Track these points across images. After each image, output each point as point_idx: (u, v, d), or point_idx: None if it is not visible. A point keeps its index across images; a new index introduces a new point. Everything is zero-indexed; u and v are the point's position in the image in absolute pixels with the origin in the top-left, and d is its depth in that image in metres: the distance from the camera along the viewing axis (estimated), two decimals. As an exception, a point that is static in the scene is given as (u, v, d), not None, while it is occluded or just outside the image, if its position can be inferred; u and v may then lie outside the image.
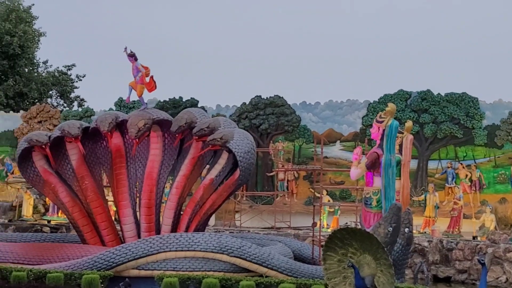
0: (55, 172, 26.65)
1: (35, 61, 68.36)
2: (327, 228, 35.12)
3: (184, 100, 44.96)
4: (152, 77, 26.37)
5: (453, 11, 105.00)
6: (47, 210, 39.60)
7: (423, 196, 36.67)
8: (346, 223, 33.89)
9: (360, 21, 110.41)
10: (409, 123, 21.61)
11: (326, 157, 37.98)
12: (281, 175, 41.78)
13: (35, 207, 40.02)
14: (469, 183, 37.64)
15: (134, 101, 36.86)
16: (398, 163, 20.71)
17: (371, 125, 23.10)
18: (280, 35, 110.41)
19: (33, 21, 67.09)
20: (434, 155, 39.94)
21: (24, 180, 31.40)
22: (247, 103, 43.55)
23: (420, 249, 31.90)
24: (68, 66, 69.29)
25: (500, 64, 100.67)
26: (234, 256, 22.15)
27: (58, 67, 69.18)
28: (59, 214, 37.36)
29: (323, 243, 20.20)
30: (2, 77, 63.62)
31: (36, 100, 62.61)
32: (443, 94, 40.31)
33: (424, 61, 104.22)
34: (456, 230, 33.45)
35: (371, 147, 24.46)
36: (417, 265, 27.12)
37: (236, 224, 38.89)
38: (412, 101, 40.66)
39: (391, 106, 20.99)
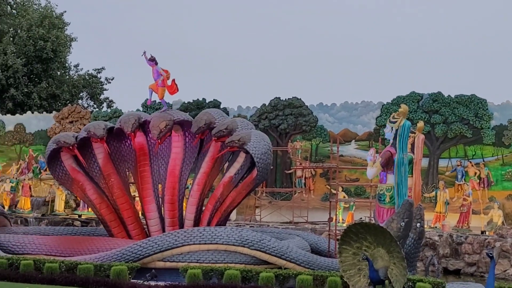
0: (82, 170, 26.72)
1: (67, 64, 68.69)
2: (343, 223, 34.99)
3: (207, 101, 44.94)
4: (174, 80, 26.31)
5: (461, 15, 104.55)
6: (78, 205, 39.73)
7: (434, 193, 36.58)
8: (361, 218, 33.73)
9: (373, 25, 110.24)
10: (420, 124, 21.58)
11: (341, 155, 37.97)
12: (299, 173, 41.75)
13: (66, 202, 40.22)
14: (478, 181, 37.40)
15: (155, 101, 36.72)
16: (410, 161, 20.66)
17: (384, 125, 23.07)
18: (298, 39, 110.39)
19: (65, 27, 67.51)
20: (444, 153, 39.71)
21: (56, 176, 31.54)
22: (267, 104, 43.47)
23: (431, 243, 31.78)
24: (98, 69, 69.53)
25: (508, 66, 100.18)
26: (255, 249, 22.19)
27: (88, 70, 69.51)
28: (89, 209, 37.38)
29: (338, 237, 20.14)
30: (36, 79, 64.02)
31: (68, 102, 62.83)
32: (453, 96, 40.07)
33: (435, 63, 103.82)
34: (465, 225, 33.34)
35: (385, 146, 24.40)
36: (428, 258, 27.05)
37: (256, 219, 38.91)
38: (424, 102, 40.46)
39: (403, 107, 20.93)
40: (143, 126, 26.59)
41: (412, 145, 20.98)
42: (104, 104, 69.76)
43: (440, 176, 38.83)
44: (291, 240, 25.21)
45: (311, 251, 25.27)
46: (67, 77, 67.72)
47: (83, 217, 38.36)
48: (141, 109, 44.43)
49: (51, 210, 39.98)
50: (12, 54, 59.89)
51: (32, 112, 52.31)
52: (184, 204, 26.98)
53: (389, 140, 21.22)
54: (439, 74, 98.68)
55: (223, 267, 20.44)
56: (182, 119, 26.40)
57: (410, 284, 17.91)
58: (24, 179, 40.88)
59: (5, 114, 52.87)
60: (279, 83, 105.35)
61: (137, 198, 30.27)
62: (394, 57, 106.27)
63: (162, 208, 26.36)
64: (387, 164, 20.69)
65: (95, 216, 28.63)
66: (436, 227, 34.03)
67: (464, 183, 36.89)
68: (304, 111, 42.75)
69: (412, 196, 20.37)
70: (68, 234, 27.71)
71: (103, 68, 69.75)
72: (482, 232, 32.76)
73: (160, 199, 26.59)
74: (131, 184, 29.73)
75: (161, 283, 19.20)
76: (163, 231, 25.59)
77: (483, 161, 38.66)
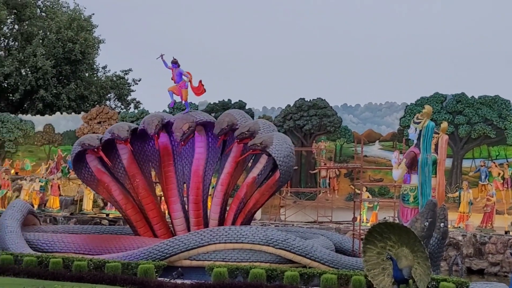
0: (108, 171, 26.71)
1: (95, 66, 69.24)
2: (367, 222, 34.96)
3: (232, 102, 45.02)
4: (200, 81, 26.17)
5: (484, 17, 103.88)
6: (105, 204, 39.92)
7: (457, 193, 36.42)
8: (385, 218, 33.67)
9: (398, 26, 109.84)
10: (444, 124, 21.48)
11: (365, 156, 37.81)
12: (323, 173, 41.78)
13: (94, 202, 40.42)
14: (502, 181, 37.20)
15: (180, 102, 36.71)
16: (434, 162, 20.56)
17: (408, 126, 22.97)
18: (324, 40, 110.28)
19: (93, 29, 68.01)
20: (468, 154, 39.56)
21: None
22: (292, 105, 43.50)
23: (454, 242, 31.62)
24: (125, 71, 69.94)
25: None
26: (280, 248, 22.16)
27: (116, 72, 69.98)
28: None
29: (363, 237, 20.10)
30: (65, 81, 64.54)
31: (96, 103, 63.28)
32: (476, 97, 39.90)
33: (459, 64, 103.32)
34: (489, 225, 33.19)
35: (408, 147, 24.32)
36: (452, 258, 26.96)
37: (281, 218, 38.87)
38: (448, 103, 40.30)
39: (427, 108, 20.83)
40: (167, 127, 26.54)
41: (436, 145, 20.89)
42: (131, 105, 70.09)
43: (464, 177, 38.71)
44: (315, 239, 25.13)
45: (335, 251, 25.17)
46: (95, 78, 68.21)
47: (110, 216, 38.58)
48: (167, 110, 44.57)
49: (79, 209, 40.23)
50: (42, 56, 60.40)
51: (61, 113, 52.78)
52: (208, 203, 26.96)
53: (413, 140, 21.14)
54: (463, 75, 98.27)
55: (248, 266, 20.42)
56: (205, 120, 26.34)
57: (434, 283, 17.84)
58: (53, 179, 41.15)
59: (35, 115, 53.38)
60: (303, 84, 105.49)
61: (163, 198, 30.37)
62: (418, 58, 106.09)
63: (187, 207, 26.40)
64: (412, 165, 20.63)
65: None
66: (459, 227, 33.90)
67: (487, 184, 36.63)
68: (328, 112, 42.73)
69: (436, 196, 20.29)
70: (96, 233, 27.75)
71: (130, 70, 70.31)
72: (506, 232, 32.58)
73: (185, 199, 26.61)
74: (156, 184, 29.75)
75: (187, 281, 19.24)
76: (188, 230, 25.61)
77: (507, 161, 38.46)
